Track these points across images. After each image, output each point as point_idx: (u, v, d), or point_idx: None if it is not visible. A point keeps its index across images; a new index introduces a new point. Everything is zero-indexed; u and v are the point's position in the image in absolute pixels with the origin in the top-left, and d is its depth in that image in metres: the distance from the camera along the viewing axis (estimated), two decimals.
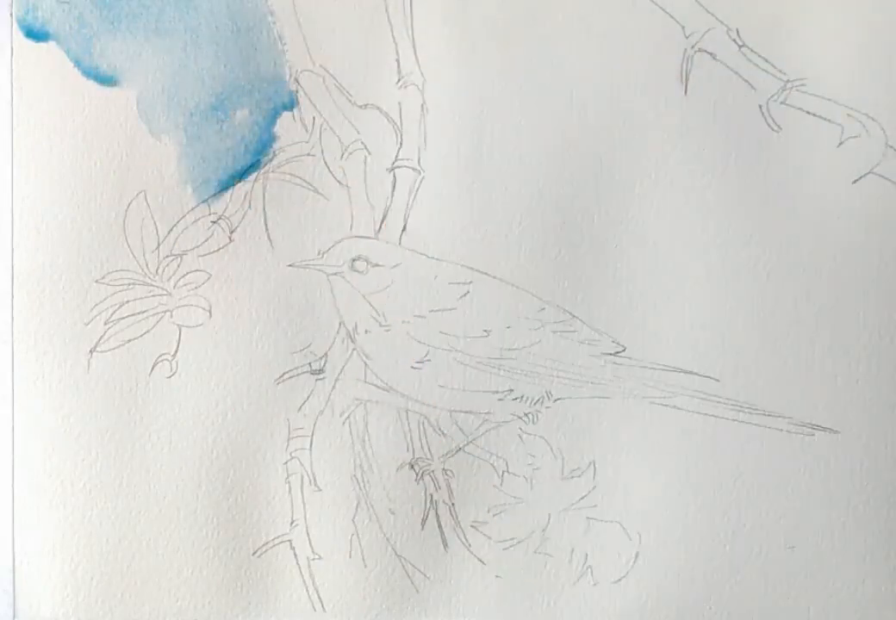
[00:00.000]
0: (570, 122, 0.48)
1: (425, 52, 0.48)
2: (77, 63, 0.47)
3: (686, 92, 0.48)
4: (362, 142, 0.48)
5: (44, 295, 0.48)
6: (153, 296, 0.48)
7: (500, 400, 0.48)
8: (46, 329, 0.48)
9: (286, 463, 0.48)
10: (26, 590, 0.48)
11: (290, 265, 0.48)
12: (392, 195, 0.48)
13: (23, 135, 0.48)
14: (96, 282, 0.48)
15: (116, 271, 0.48)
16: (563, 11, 0.48)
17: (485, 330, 0.48)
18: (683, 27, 0.48)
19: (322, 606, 0.49)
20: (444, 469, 0.48)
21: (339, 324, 0.48)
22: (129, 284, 0.48)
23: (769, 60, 0.48)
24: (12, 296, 0.48)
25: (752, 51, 0.48)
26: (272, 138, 0.48)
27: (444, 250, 0.48)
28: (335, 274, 0.48)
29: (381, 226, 0.48)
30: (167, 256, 0.48)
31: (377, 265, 0.48)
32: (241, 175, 0.48)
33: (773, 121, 0.48)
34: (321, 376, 0.48)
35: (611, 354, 0.48)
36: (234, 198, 0.48)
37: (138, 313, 0.48)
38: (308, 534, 0.48)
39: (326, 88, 0.48)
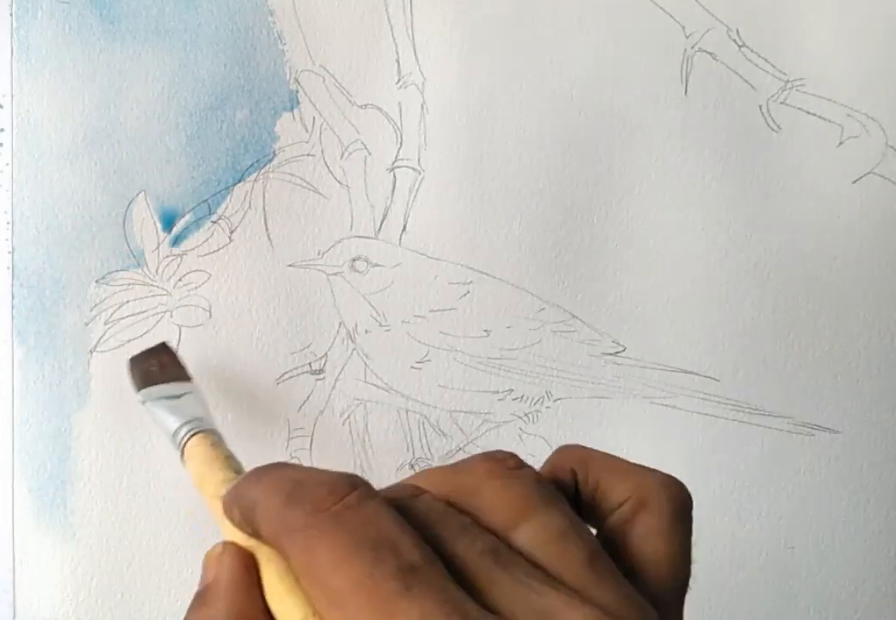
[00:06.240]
0: (570, 123, 0.48)
1: (425, 52, 0.48)
2: (76, 63, 0.47)
3: (686, 92, 0.48)
4: (362, 142, 0.48)
5: (44, 295, 0.48)
6: (153, 296, 0.48)
7: (500, 400, 0.48)
8: (46, 329, 0.48)
9: None
10: (26, 590, 0.48)
11: (290, 265, 0.48)
12: (392, 195, 0.48)
13: (23, 135, 0.48)
14: (96, 282, 0.48)
15: (116, 271, 0.48)
16: (562, 11, 0.48)
17: (485, 330, 0.48)
18: (683, 27, 0.48)
19: None
20: None
21: (339, 324, 0.48)
22: (129, 284, 0.48)
23: (769, 60, 0.48)
24: (12, 296, 0.48)
25: (752, 51, 0.48)
26: (272, 138, 0.48)
27: (444, 250, 0.48)
28: (335, 274, 0.48)
29: (381, 226, 0.48)
30: (167, 256, 0.48)
31: (377, 265, 0.48)
32: (241, 175, 0.48)
33: (773, 121, 0.48)
34: (321, 376, 0.48)
35: (611, 354, 0.48)
36: (234, 198, 0.48)
37: (138, 313, 0.48)
38: None
39: (326, 88, 0.48)
